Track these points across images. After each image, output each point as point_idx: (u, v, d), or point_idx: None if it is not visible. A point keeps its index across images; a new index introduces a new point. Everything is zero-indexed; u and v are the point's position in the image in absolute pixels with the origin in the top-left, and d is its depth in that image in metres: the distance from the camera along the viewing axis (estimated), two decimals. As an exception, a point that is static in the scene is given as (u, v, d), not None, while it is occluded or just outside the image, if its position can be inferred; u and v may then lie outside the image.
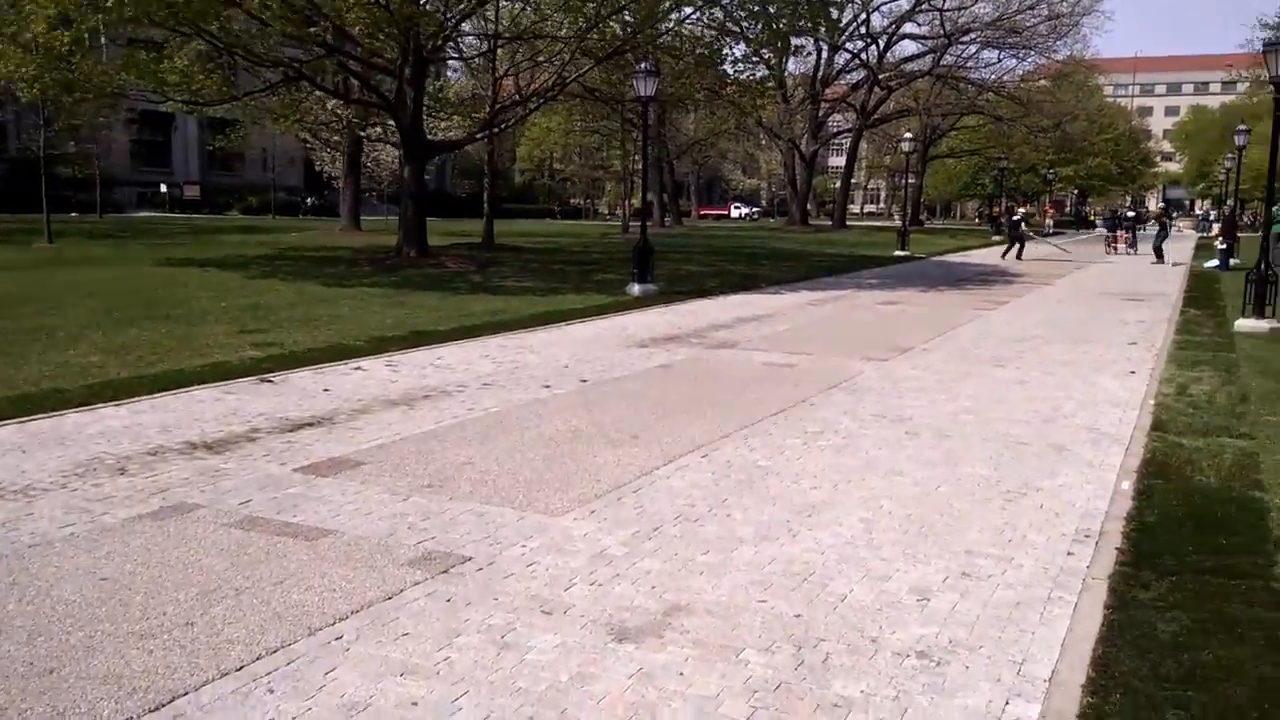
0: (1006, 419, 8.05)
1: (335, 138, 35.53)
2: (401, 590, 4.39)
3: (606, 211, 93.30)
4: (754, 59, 24.83)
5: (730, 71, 24.67)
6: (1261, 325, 13.64)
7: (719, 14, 22.26)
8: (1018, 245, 32.42)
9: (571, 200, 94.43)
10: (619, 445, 7.02)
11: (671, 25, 22.52)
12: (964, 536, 5.16)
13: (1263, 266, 13.94)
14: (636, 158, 70.75)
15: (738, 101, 33.38)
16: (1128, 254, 36.84)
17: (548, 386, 9.27)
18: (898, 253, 33.57)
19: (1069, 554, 4.91)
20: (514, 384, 9.39)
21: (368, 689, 3.51)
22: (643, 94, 17.61)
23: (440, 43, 25.52)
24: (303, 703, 3.42)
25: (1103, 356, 11.51)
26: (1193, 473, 6.28)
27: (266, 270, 21.05)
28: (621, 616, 4.13)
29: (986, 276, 24.97)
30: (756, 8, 22.52)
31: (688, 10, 23.38)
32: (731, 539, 5.10)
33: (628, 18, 23.29)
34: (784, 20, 25.05)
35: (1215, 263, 27.85)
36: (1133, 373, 10.32)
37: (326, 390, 8.95)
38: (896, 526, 5.32)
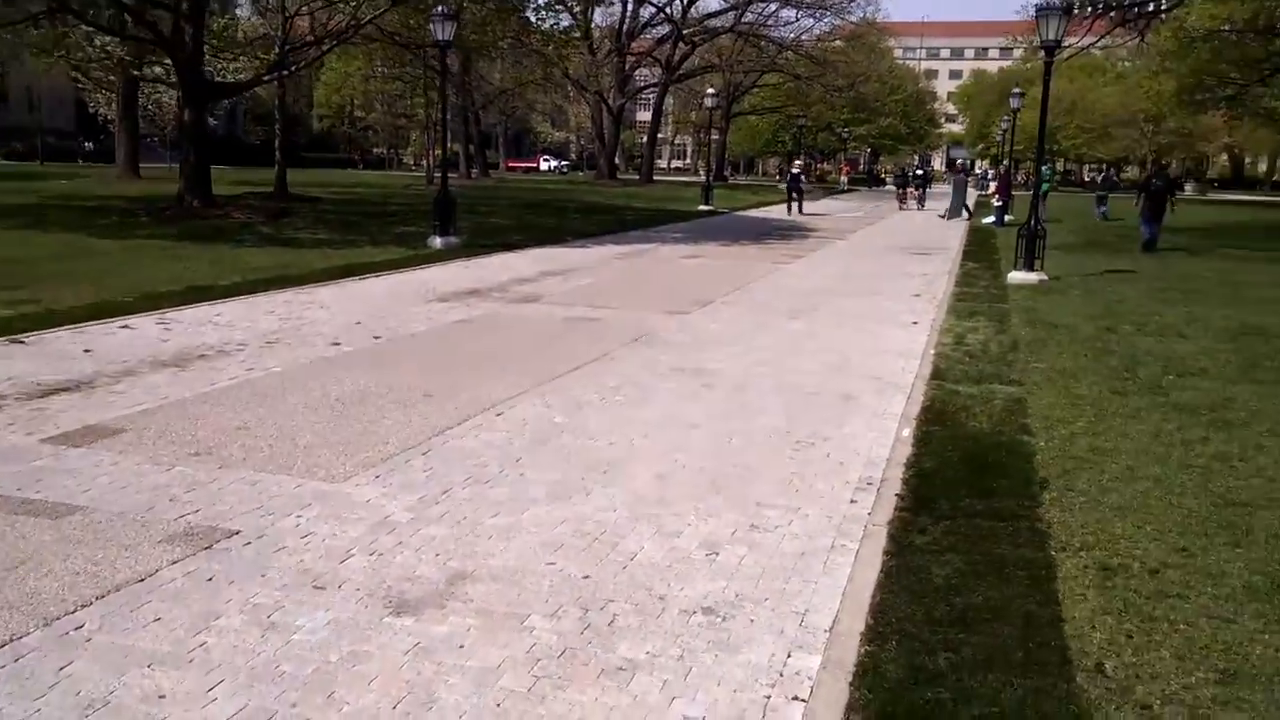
0: (799, 370, 8.24)
1: (110, 77, 32.56)
2: (156, 570, 4.00)
3: (412, 162, 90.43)
4: (557, 7, 24.29)
5: (533, 20, 24.02)
6: (1031, 277, 14.59)
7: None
8: (797, 199, 33.63)
9: (375, 150, 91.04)
10: (411, 405, 6.72)
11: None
12: (755, 488, 5.20)
13: (1033, 223, 14.89)
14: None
15: (541, 50, 32.85)
16: (916, 209, 39.18)
17: (337, 344, 8.80)
18: (702, 208, 34.07)
19: (852, 502, 5.04)
20: (300, 342, 8.87)
21: (108, 683, 3.15)
22: (440, 38, 16.93)
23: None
24: (30, 704, 3.03)
25: (889, 308, 12.01)
26: (968, 419, 6.60)
27: (28, 221, 19.14)
28: (401, 588, 3.90)
29: (785, 231, 25.70)
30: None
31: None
32: (523, 500, 4.94)
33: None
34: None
35: (992, 219, 29.71)
36: (915, 323, 10.81)
37: (88, 351, 8.17)
38: (690, 481, 5.31)
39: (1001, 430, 6.29)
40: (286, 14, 27.10)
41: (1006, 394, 7.30)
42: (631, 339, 9.48)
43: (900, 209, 39.33)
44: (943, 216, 32.41)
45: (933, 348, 9.26)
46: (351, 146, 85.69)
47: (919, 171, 48.78)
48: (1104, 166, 76.90)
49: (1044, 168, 40.54)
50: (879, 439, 6.19)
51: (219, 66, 30.93)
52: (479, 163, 64.92)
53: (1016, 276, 14.69)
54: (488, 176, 62.56)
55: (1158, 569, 4.12)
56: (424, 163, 54.37)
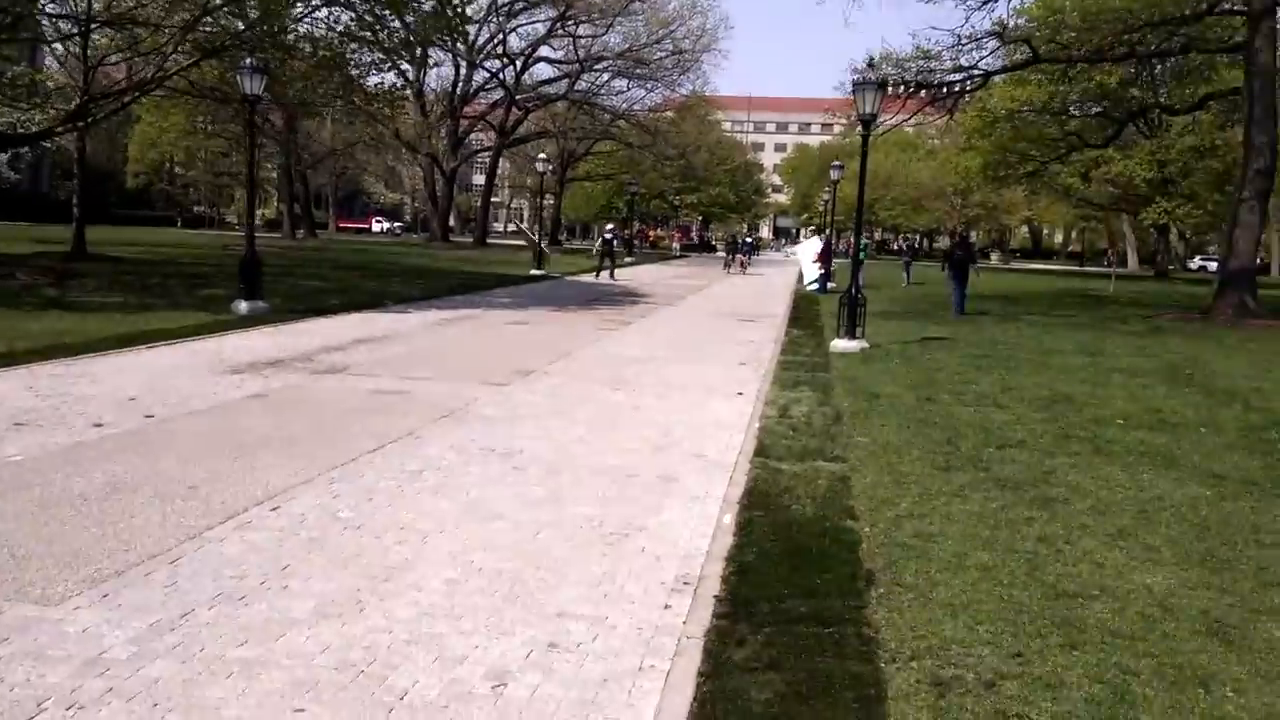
0: (618, 448, 7.74)
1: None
2: None
3: (236, 221, 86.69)
4: (385, 66, 23.59)
5: (355, 76, 23.18)
6: (853, 345, 14.71)
7: (345, 16, 20.83)
8: (611, 264, 33.58)
9: (196, 208, 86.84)
10: (170, 499, 5.82)
11: (290, 25, 20.81)
12: (558, 595, 4.60)
13: (853, 291, 15.07)
14: (268, 165, 66.55)
15: (368, 109, 31.96)
16: (741, 274, 40.86)
17: (99, 425, 7.73)
18: (534, 272, 33.65)
19: (666, 607, 4.50)
20: (56, 423, 7.75)
21: None
22: (248, 91, 15.95)
23: (10, 20, 22.00)
24: None
25: (715, 377, 11.74)
26: (791, 501, 6.22)
27: None
28: (96, 757, 3.10)
29: (615, 297, 25.51)
30: (387, 13, 21.38)
31: (317, 2, 21.85)
32: (281, 621, 4.17)
33: (251, 11, 21.26)
34: (417, 31, 24.03)
35: (815, 286, 30.52)
36: (740, 394, 10.55)
37: None
38: (485, 587, 4.66)
39: (825, 514, 5.93)
40: (88, 64, 25.33)
41: (830, 472, 7.00)
42: (442, 415, 8.78)
43: (728, 273, 40.88)
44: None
45: (757, 420, 8.96)
46: (170, 204, 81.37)
47: (747, 240, 50.85)
48: (908, 237, 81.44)
49: (863, 238, 42.44)
50: (699, 527, 5.72)
51: (18, 117, 28.66)
52: (305, 223, 62.75)
53: (839, 344, 14.78)
54: (314, 237, 60.41)
55: (993, 681, 3.74)
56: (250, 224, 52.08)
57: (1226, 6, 23.41)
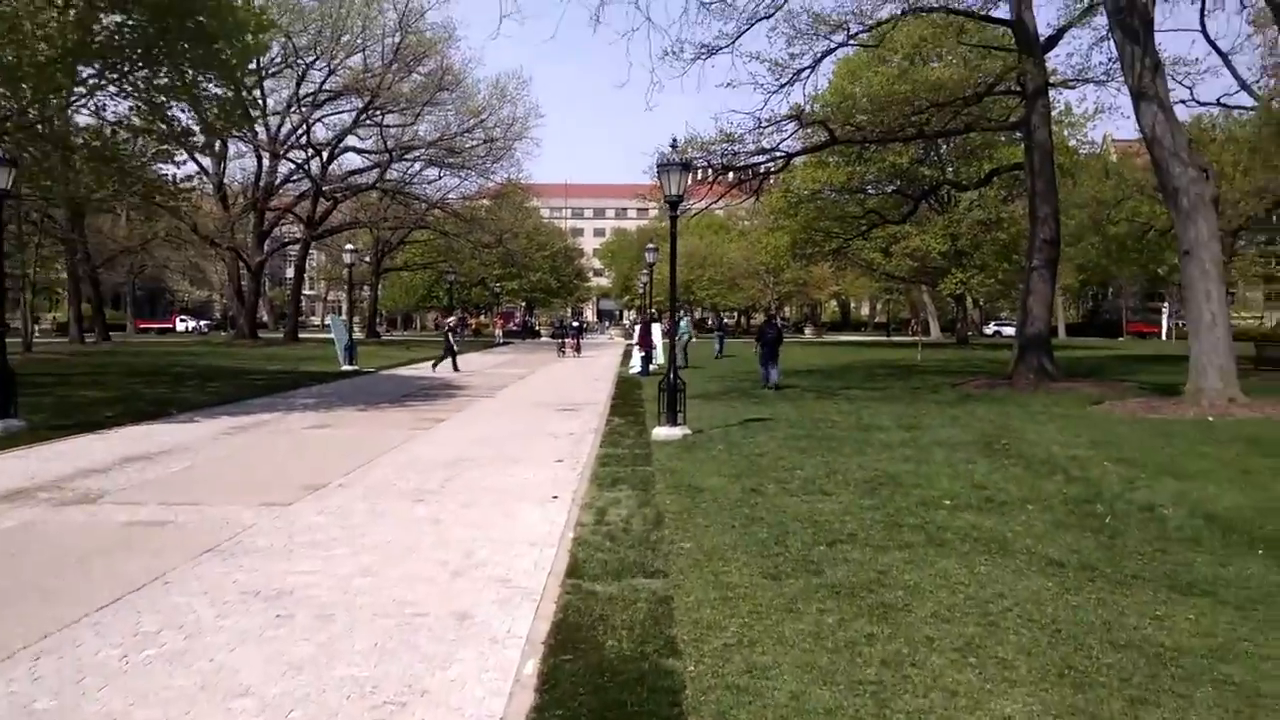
0: (410, 577, 6.73)
1: None
2: None
3: (21, 326, 79.97)
4: (173, 158, 21.90)
5: (135, 168, 21.42)
6: (675, 433, 14.16)
7: (123, 106, 19.24)
8: (451, 356, 32.58)
9: (-29, 314, 79.51)
10: None
11: (54, 113, 19.04)
12: (303, 807, 3.59)
13: (672, 377, 14.58)
14: (56, 266, 61.76)
15: (159, 204, 29.85)
16: (575, 357, 41.81)
17: None
18: (345, 367, 31.96)
19: (443, 811, 3.57)
20: None
21: None
22: (-7, 186, 14.24)
23: None
24: None
25: (529, 480, 10.86)
26: (605, 634, 5.39)
27: None
28: None
29: (432, 390, 24.32)
30: (165, 100, 19.89)
31: (83, 91, 20.13)
32: None
33: (8, 97, 19.34)
34: (204, 120, 22.50)
35: (637, 369, 30.18)
36: (555, 498, 9.70)
37: None
38: (207, 805, 3.60)
39: (644, 651, 5.12)
40: None
41: (651, 591, 6.22)
42: (204, 549, 7.53)
43: (560, 357, 41.53)
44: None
45: (571, 530, 8.12)
46: (-63, 311, 74.11)
47: (575, 323, 51.22)
48: (720, 315, 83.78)
49: (682, 319, 42.83)
50: (494, 684, 4.80)
51: None
52: (98, 325, 58.35)
53: (661, 433, 14.19)
54: (107, 340, 56.13)
55: None
56: (26, 328, 47.59)
57: (1003, 88, 24.88)
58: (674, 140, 14.44)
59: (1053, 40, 24.25)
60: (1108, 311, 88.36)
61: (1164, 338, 77.15)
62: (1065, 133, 42.15)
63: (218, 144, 53.80)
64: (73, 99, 18.95)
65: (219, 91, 19.56)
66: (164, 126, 19.99)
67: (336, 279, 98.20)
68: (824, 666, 4.89)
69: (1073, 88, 24.47)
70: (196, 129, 20.73)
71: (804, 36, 22.64)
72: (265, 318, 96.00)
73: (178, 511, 9.00)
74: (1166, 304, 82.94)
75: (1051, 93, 25.73)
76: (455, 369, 31.80)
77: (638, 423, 16.27)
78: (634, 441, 13.81)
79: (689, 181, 15.35)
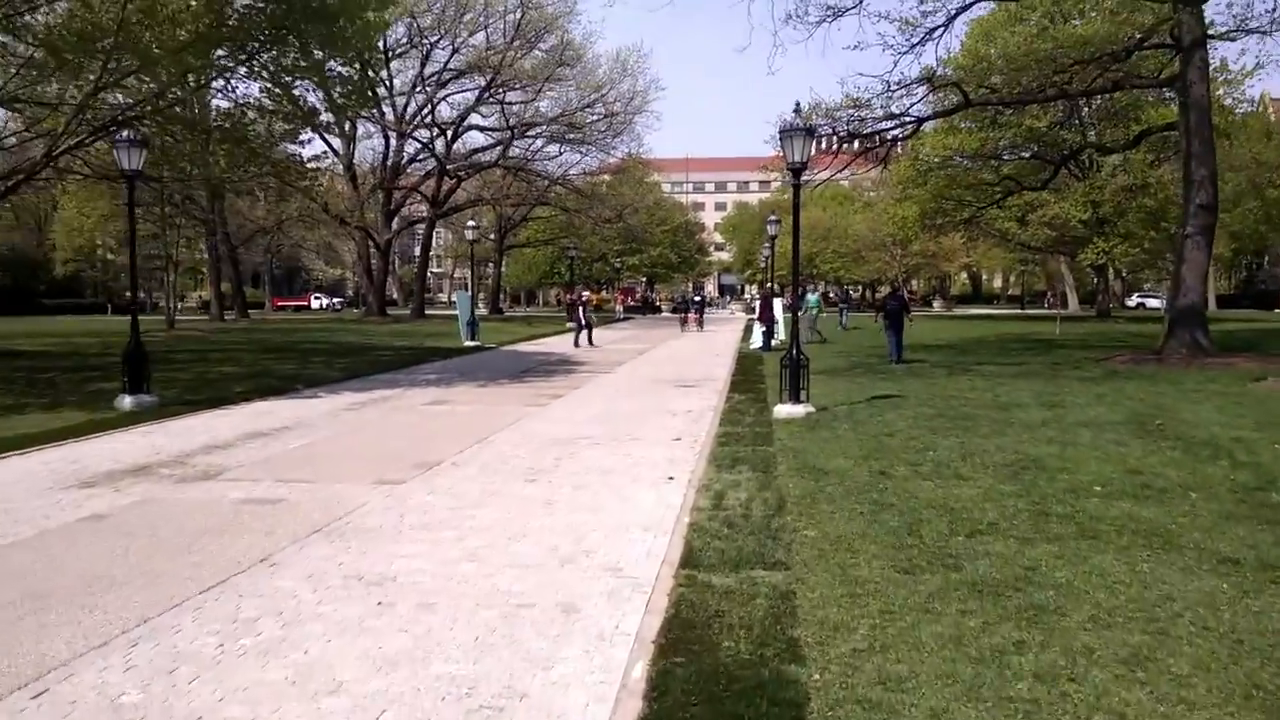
0: (517, 564, 6.41)
1: None
2: None
3: (173, 306, 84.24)
4: (298, 138, 22.29)
5: (258, 149, 21.87)
6: (797, 411, 13.56)
7: (254, 87, 19.61)
8: (585, 329, 32.54)
9: (127, 293, 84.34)
10: (-102, 689, 4.38)
11: (186, 95, 19.55)
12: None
13: (794, 352, 13.96)
14: (201, 246, 64.56)
15: (290, 184, 30.71)
16: (697, 331, 42.17)
17: None
18: (468, 343, 32.33)
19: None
20: None
21: None
22: (126, 167, 14.60)
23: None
24: None
25: (645, 459, 10.46)
26: (721, 634, 4.93)
27: None
28: None
29: (551, 366, 24.25)
30: (287, 79, 20.19)
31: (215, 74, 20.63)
32: None
33: (147, 82, 19.96)
34: (329, 101, 22.75)
35: (758, 344, 29.50)
36: (671, 479, 9.27)
37: None
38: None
39: (763, 654, 4.64)
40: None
41: (771, 585, 5.73)
42: (313, 529, 7.40)
43: (683, 333, 41.56)
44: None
45: (687, 514, 7.68)
46: (101, 291, 78.75)
47: (696, 298, 50.96)
48: (841, 288, 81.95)
49: (811, 293, 41.85)
50: (600, 688, 4.40)
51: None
52: (237, 303, 60.90)
53: (782, 410, 13.61)
54: (246, 318, 58.48)
55: None
56: (170, 306, 49.91)
57: (1155, 42, 23.10)
58: (797, 105, 13.75)
59: (1212, -13, 22.34)
60: (1264, 281, 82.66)
61: (1329, 309, 71.75)
62: (1220, 91, 39.17)
63: (346, 125, 55.31)
64: (204, 82, 19.45)
65: (343, 70, 19.76)
66: (291, 107, 20.30)
67: (463, 256, 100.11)
68: (967, 679, 4.31)
69: (1233, 39, 22.52)
70: (322, 109, 21.03)
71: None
72: (395, 295, 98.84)
73: (292, 489, 8.95)
74: (1332, 273, 77.18)
75: (1209, 47, 23.70)
76: (591, 343, 31.78)
77: (758, 400, 15.71)
78: (754, 420, 13.27)
79: (813, 149, 14.61)
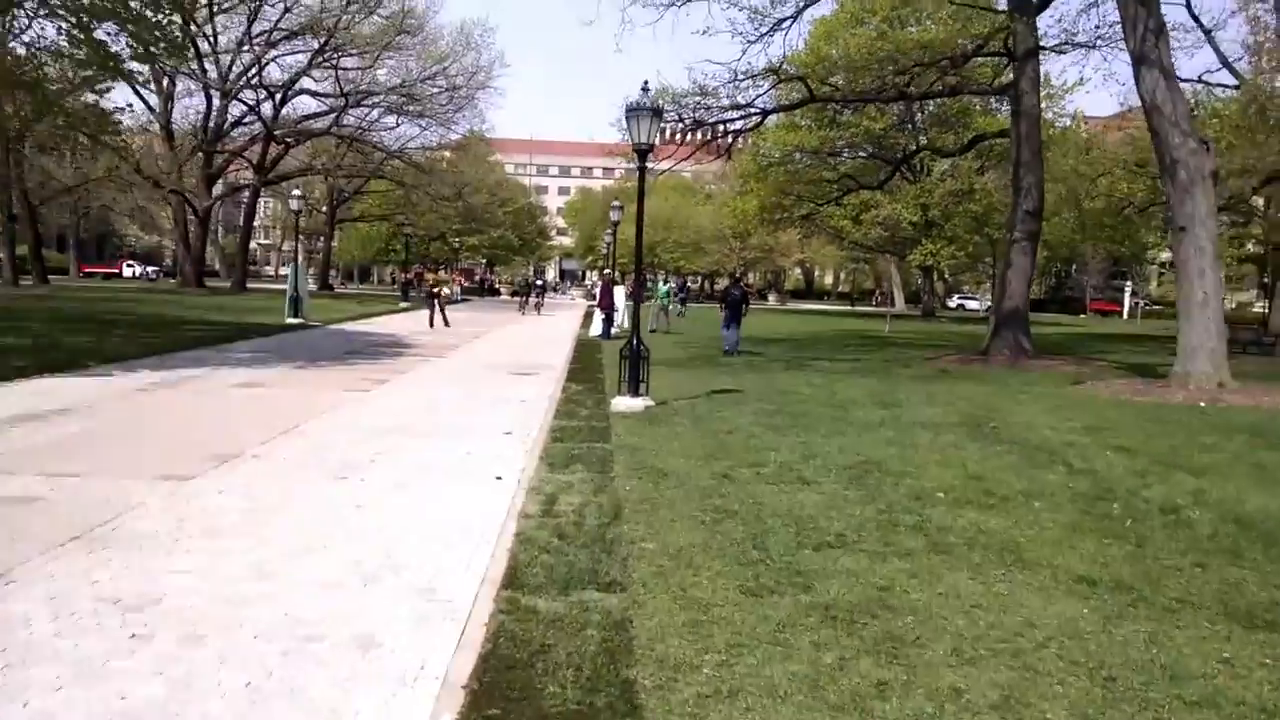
0: (311, 583, 5.52)
1: None
2: None
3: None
4: (91, 85, 20.03)
5: (54, 94, 19.63)
6: (636, 404, 13.00)
7: (50, 28, 17.43)
8: (439, 311, 31.28)
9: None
10: None
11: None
12: None
13: (634, 341, 13.39)
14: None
15: (99, 139, 27.99)
16: (534, 316, 42.20)
17: None
18: (290, 320, 30.43)
19: None
20: None
21: None
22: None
23: None
24: None
25: (472, 454, 9.65)
26: (546, 676, 4.23)
27: None
28: None
29: (380, 347, 22.94)
30: (91, 21, 18.12)
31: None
32: None
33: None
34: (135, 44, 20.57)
35: (598, 331, 28.95)
36: (499, 478, 8.50)
37: None
38: None
39: (594, 704, 3.97)
40: None
41: (605, 610, 5.06)
42: (72, 536, 6.26)
43: (522, 316, 41.90)
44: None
45: (514, 520, 6.95)
46: None
47: (539, 282, 52.51)
48: (682, 277, 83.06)
49: (665, 283, 41.68)
50: (394, 751, 3.63)
51: None
52: (35, 268, 55.91)
53: (621, 403, 13.03)
54: (45, 283, 53.69)
55: None
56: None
57: (992, 49, 23.74)
58: (645, 84, 13.12)
59: (1046, 0, 23.11)
60: (1070, 288, 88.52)
61: (1125, 316, 77.35)
62: (1043, 105, 41.18)
63: (165, 81, 51.45)
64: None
65: (149, 13, 17.85)
66: (89, 51, 18.27)
67: (290, 228, 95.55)
68: (827, 732, 3.77)
69: (1064, 52, 23.42)
70: (126, 55, 18.99)
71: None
72: (217, 266, 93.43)
73: (55, 486, 7.69)
74: (1130, 282, 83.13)
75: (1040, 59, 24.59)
76: (443, 324, 30.51)
77: (596, 391, 15.09)
78: (591, 412, 12.62)
79: (658, 133, 14.05)
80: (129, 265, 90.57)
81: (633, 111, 12.90)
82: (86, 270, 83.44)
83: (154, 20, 17.85)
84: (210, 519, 6.87)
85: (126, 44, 18.23)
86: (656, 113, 13.05)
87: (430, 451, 9.71)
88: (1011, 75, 23.44)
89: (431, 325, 30.52)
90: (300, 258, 40.72)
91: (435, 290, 33.01)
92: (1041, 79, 23.05)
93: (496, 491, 7.99)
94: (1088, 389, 17.66)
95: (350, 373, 17.08)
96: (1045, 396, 16.14)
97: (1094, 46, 22.72)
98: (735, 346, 23.28)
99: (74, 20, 18.64)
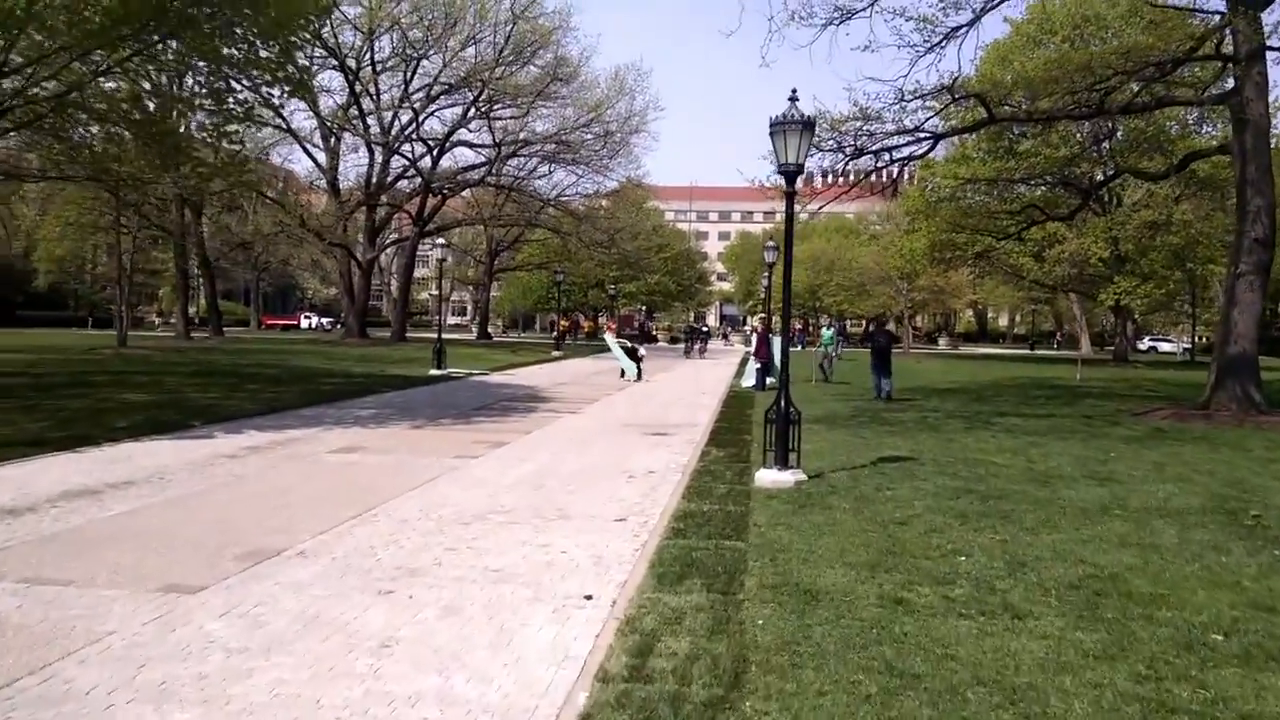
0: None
1: None
2: None
3: (158, 319, 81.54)
4: (229, 130, 19.43)
5: (184, 144, 19.13)
6: (785, 479, 10.66)
7: (151, 68, 16.81)
8: (635, 361, 30.01)
9: (111, 305, 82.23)
10: None
11: (83, 78, 16.74)
12: None
13: (782, 402, 11.06)
14: (191, 259, 61.69)
15: (275, 199, 28.00)
16: (701, 359, 45.88)
17: None
18: (433, 372, 29.48)
19: None
20: None
21: None
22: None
23: None
24: None
25: (566, 553, 7.55)
26: None
27: None
28: None
29: (514, 401, 21.37)
30: (197, 63, 17.44)
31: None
32: None
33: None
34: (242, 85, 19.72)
35: (751, 382, 26.65)
36: (589, 599, 6.35)
37: None
38: None
39: None
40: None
41: None
42: (8, 679, 4.51)
43: (687, 358, 46.33)
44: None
45: (584, 688, 4.78)
46: (83, 304, 76.12)
47: (704, 329, 59.70)
48: (843, 320, 79.72)
49: (828, 328, 39.11)
50: None
51: None
52: (212, 320, 58.28)
53: (766, 478, 10.71)
54: (220, 335, 55.68)
55: None
56: (172, 320, 47.14)
57: (1206, 52, 20.34)
58: (794, 93, 10.90)
59: (1273, -7, 19.60)
60: (1281, 327, 79.88)
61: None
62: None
63: (332, 139, 52.79)
64: (103, 69, 16.66)
65: (267, 55, 17.02)
66: (207, 94, 17.58)
67: (463, 279, 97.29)
68: None
69: (1294, 53, 19.68)
70: (250, 99, 18.27)
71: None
72: (389, 317, 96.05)
73: (30, 599, 6.05)
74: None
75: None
76: (639, 377, 29.34)
77: (739, 459, 12.78)
78: (729, 490, 10.33)
79: (808, 150, 11.76)
80: (306, 317, 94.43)
81: (778, 126, 10.70)
82: (269, 322, 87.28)
83: (269, 60, 16.98)
84: (181, 665, 5.00)
85: (246, 89, 17.48)
86: (808, 126, 10.79)
87: (515, 549, 7.67)
88: (1232, 81, 19.97)
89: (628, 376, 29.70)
90: (440, 307, 40.33)
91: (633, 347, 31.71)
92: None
93: (576, 624, 5.83)
94: (1358, 456, 14.12)
95: (469, 433, 15.39)
96: (1309, 468, 12.81)
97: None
98: (887, 392, 23.09)
99: (178, 69, 18.08)
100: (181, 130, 19.37)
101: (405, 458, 12.65)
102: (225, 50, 16.36)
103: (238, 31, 16.16)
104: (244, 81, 17.58)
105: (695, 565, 7.05)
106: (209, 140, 20.34)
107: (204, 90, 18.55)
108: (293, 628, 5.66)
